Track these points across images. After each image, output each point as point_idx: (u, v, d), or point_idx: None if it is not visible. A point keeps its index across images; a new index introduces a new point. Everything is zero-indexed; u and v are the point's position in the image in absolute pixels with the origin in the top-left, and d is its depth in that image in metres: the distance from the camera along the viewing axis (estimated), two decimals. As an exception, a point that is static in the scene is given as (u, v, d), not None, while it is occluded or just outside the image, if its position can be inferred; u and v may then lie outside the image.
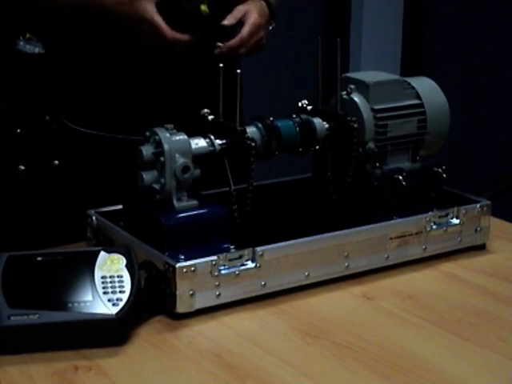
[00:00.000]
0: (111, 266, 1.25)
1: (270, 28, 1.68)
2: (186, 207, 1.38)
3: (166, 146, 1.35)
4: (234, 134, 1.43)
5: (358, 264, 1.43)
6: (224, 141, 1.42)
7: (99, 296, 1.20)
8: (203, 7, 1.50)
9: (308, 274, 1.38)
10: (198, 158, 1.39)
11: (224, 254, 1.31)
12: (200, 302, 1.29)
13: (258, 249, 1.33)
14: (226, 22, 1.57)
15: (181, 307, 1.27)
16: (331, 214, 1.54)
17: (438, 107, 1.58)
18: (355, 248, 1.42)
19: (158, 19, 1.50)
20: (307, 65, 3.27)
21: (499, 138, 3.31)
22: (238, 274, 1.31)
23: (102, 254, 1.27)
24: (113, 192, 1.53)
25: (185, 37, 1.52)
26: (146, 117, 1.57)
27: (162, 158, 1.35)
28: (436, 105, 1.58)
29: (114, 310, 1.19)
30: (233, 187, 1.42)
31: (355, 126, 1.50)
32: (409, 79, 1.60)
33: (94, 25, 1.57)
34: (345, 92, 1.53)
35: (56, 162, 1.72)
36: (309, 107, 1.52)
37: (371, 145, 1.52)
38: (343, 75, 1.56)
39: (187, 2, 1.51)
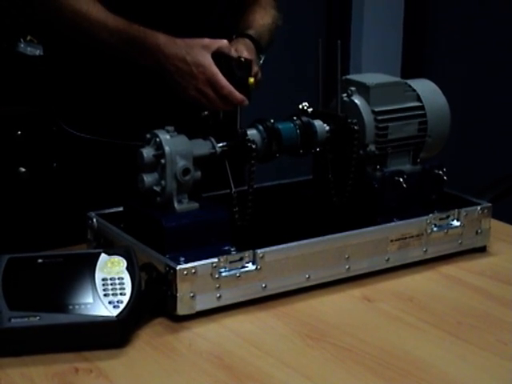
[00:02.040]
0: (112, 268, 1.25)
1: (261, 62, 1.65)
2: (187, 209, 1.38)
3: (166, 148, 1.35)
4: (234, 136, 1.43)
5: (359, 266, 1.43)
6: (225, 143, 1.42)
7: (100, 298, 1.20)
8: (251, 80, 1.50)
9: (309, 276, 1.38)
10: (199, 160, 1.40)
11: (225, 256, 1.31)
12: (200, 304, 1.29)
13: (259, 251, 1.33)
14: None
15: (181, 309, 1.27)
16: (332, 216, 1.54)
17: (438, 109, 1.58)
18: (356, 250, 1.42)
19: (216, 69, 1.48)
20: (308, 67, 3.27)
21: (500, 140, 3.31)
22: (238, 276, 1.31)
23: (103, 256, 1.27)
24: (114, 194, 1.53)
25: (240, 95, 1.48)
26: (146, 120, 1.56)
27: (162, 160, 1.35)
28: (437, 107, 1.58)
29: (114, 312, 1.19)
30: (233, 189, 1.42)
31: (356, 128, 1.50)
32: (409, 81, 1.60)
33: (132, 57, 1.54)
34: (345, 94, 1.53)
35: (55, 164, 1.72)
36: (309, 109, 1.52)
37: (372, 147, 1.52)
38: (344, 77, 1.56)
39: (239, 70, 1.50)
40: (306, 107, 1.53)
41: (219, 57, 1.50)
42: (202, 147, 1.41)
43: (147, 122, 1.46)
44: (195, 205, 1.39)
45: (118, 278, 1.24)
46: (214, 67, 1.47)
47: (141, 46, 1.52)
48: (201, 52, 1.48)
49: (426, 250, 1.50)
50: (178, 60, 1.49)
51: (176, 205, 1.37)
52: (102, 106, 1.66)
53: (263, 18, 1.71)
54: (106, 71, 1.63)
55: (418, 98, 1.58)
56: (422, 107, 1.57)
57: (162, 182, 1.36)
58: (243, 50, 1.54)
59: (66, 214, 1.67)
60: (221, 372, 1.15)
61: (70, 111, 1.69)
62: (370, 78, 1.55)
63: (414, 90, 1.58)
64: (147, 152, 1.36)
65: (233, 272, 1.31)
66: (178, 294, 1.26)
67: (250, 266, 1.33)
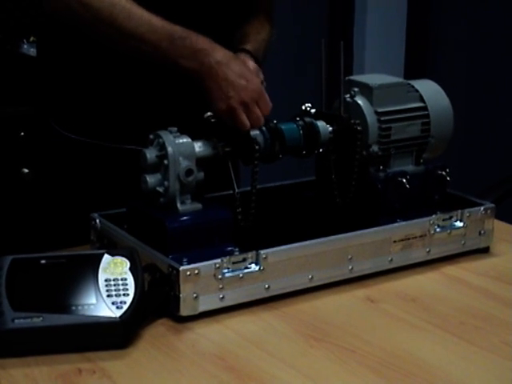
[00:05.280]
0: (115, 269, 1.25)
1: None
2: (190, 210, 1.38)
3: (169, 149, 1.35)
4: (237, 137, 1.43)
5: (362, 267, 1.43)
6: (228, 143, 1.42)
7: (103, 299, 1.20)
8: None
9: (312, 277, 1.38)
10: (202, 160, 1.40)
11: (228, 256, 1.30)
12: (204, 305, 1.29)
13: (262, 252, 1.33)
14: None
15: (184, 310, 1.27)
16: (335, 217, 1.54)
17: (441, 110, 1.58)
18: (359, 251, 1.42)
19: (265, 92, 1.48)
20: (311, 68, 3.27)
21: (503, 140, 3.31)
22: (241, 277, 1.31)
23: (106, 256, 1.27)
24: (117, 195, 1.53)
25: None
26: (149, 123, 1.55)
27: (165, 161, 1.35)
28: (440, 108, 1.58)
29: (117, 313, 1.19)
30: (236, 190, 1.42)
31: (359, 128, 1.50)
32: (412, 82, 1.60)
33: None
34: (348, 95, 1.54)
35: (53, 165, 1.72)
36: (312, 110, 1.52)
37: (375, 148, 1.52)
38: (347, 78, 1.56)
39: None
40: (308, 108, 1.53)
41: None
42: (205, 148, 1.41)
43: (150, 124, 1.46)
44: (198, 205, 1.39)
45: (121, 279, 1.24)
46: (263, 90, 1.47)
47: (189, 47, 1.48)
48: (252, 71, 1.49)
49: (429, 251, 1.50)
50: (232, 69, 1.45)
51: (179, 205, 1.38)
52: (101, 109, 1.65)
53: (259, 33, 1.70)
54: (105, 73, 1.62)
55: (421, 99, 1.58)
56: (425, 108, 1.57)
57: (165, 183, 1.36)
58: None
59: (69, 215, 1.67)
60: (224, 373, 1.15)
61: (67, 114, 1.68)
62: (373, 79, 1.55)
63: (417, 91, 1.58)
64: (150, 153, 1.36)
65: (236, 273, 1.31)
66: (181, 295, 1.26)
67: (254, 267, 1.33)
